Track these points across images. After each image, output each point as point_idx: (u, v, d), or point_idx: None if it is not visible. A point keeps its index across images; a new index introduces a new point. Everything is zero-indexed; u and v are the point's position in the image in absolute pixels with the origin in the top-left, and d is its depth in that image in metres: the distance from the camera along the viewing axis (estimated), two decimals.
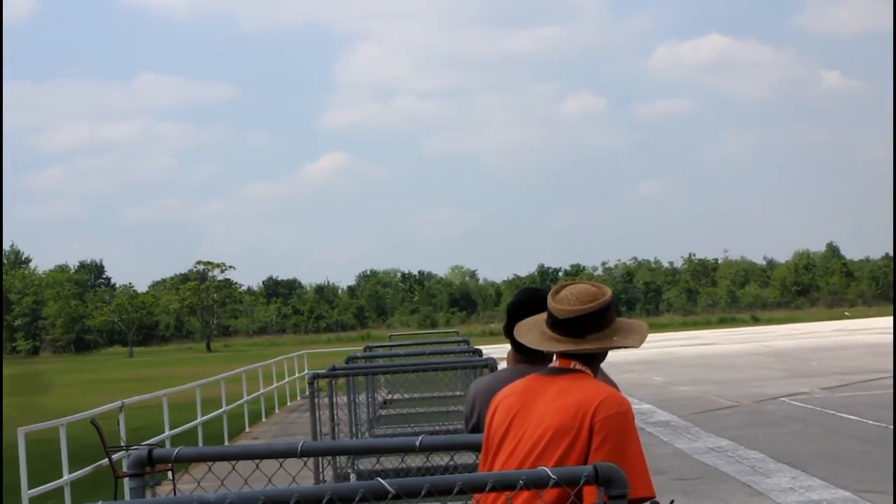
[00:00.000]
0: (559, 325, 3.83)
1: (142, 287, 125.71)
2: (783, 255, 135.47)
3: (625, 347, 3.80)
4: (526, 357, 4.85)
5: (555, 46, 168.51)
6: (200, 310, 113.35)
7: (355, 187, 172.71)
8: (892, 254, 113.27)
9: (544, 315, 3.94)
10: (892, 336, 39.82)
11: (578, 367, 3.83)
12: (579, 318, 3.78)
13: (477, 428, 4.92)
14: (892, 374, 26.03)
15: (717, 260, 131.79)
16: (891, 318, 59.47)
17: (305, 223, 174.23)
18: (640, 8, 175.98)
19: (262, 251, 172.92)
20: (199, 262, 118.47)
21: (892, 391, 22.37)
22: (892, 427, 17.79)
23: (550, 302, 3.89)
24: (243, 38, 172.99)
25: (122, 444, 15.50)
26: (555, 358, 3.94)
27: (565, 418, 3.67)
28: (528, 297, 4.91)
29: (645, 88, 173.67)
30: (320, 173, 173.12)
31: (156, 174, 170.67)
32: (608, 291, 3.86)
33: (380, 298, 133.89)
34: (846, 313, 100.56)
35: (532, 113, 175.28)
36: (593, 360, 3.87)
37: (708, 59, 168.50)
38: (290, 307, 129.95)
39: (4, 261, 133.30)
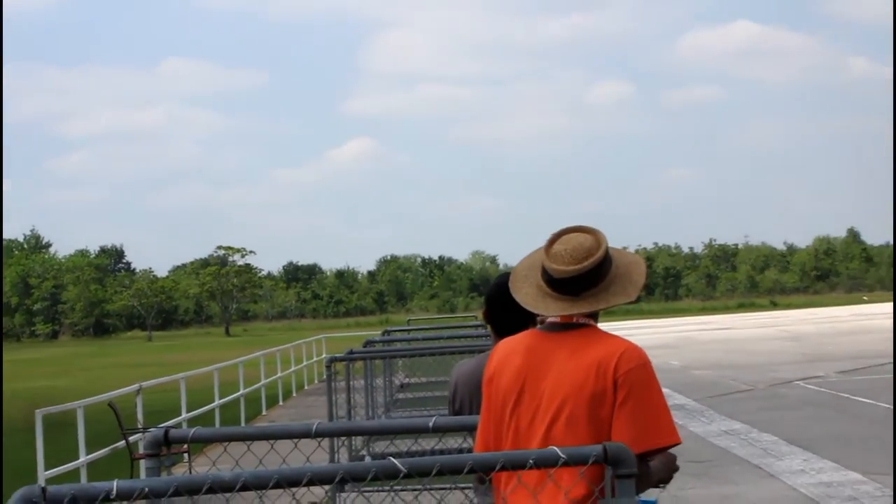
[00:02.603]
0: (553, 283, 3.73)
1: (162, 272, 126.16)
2: (804, 241, 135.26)
3: (621, 304, 3.73)
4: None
5: (584, 33, 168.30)
6: (220, 294, 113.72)
7: (380, 173, 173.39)
8: None
9: (539, 264, 3.82)
10: None
11: (582, 320, 3.73)
12: (573, 278, 3.68)
13: (459, 412, 4.91)
14: None
15: (737, 245, 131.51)
16: None
17: (328, 208, 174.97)
18: None
19: (283, 236, 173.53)
20: (219, 247, 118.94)
21: None
22: None
23: (543, 257, 3.76)
24: (271, 25, 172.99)
25: (139, 426, 15.60)
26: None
27: (588, 377, 3.59)
28: (507, 280, 4.92)
29: (673, 75, 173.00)
30: (345, 159, 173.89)
31: (180, 160, 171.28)
32: (603, 241, 3.72)
33: (400, 283, 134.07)
34: (864, 298, 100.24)
35: (559, 100, 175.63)
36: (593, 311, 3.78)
37: (736, 46, 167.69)
38: (309, 292, 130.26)
39: (25, 245, 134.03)
